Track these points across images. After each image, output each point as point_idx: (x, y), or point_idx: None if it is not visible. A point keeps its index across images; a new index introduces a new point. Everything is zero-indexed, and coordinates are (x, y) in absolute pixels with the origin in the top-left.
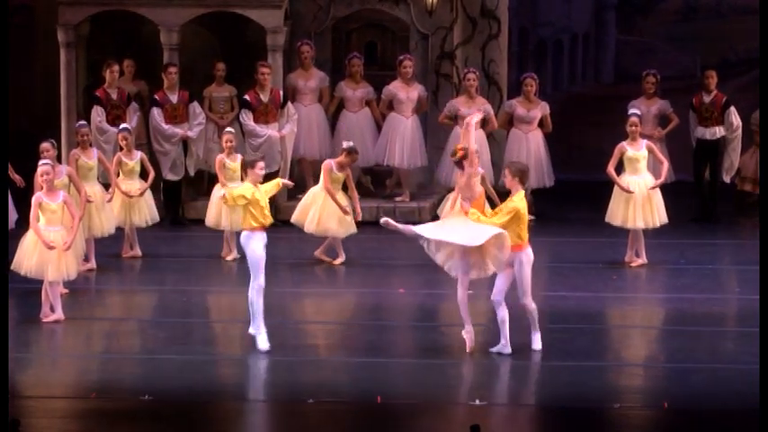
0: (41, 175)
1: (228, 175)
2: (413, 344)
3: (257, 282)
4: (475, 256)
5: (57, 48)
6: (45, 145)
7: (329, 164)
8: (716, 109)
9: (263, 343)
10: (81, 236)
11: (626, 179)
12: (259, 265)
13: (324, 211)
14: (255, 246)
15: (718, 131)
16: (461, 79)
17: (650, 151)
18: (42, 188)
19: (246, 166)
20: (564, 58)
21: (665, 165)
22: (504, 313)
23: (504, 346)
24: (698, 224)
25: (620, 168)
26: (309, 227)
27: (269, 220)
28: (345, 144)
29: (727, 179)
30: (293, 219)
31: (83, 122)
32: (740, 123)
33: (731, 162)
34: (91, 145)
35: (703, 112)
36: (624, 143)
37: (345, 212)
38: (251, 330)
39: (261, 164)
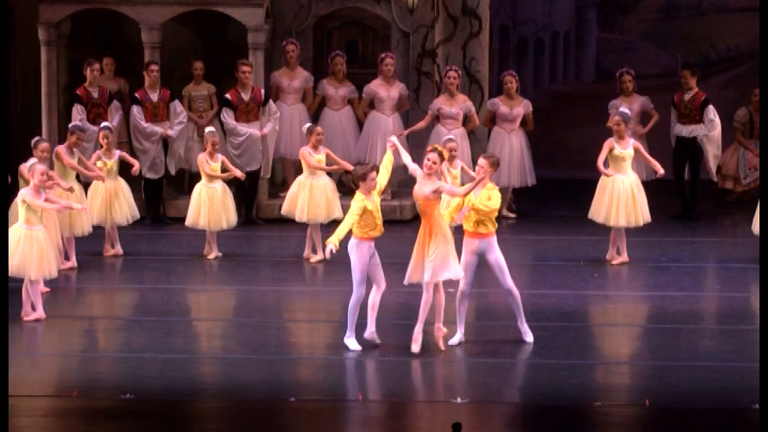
0: (42, 174)
1: (209, 177)
2: (394, 342)
3: (357, 293)
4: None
5: (36, 46)
6: (45, 145)
7: (304, 149)
8: (695, 107)
9: (353, 344)
10: (59, 234)
11: (611, 177)
12: (361, 276)
13: (311, 198)
14: (360, 255)
15: (698, 129)
16: (442, 77)
17: (636, 150)
18: (33, 185)
19: (358, 179)
20: (545, 57)
21: (652, 160)
22: (466, 305)
23: (462, 335)
24: (679, 222)
25: (605, 166)
26: (300, 216)
27: (379, 231)
28: (304, 127)
29: (714, 178)
30: (283, 210)
31: (77, 125)
32: (718, 122)
33: (713, 161)
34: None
35: (682, 109)
36: (612, 139)
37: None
38: (345, 339)
39: (372, 174)
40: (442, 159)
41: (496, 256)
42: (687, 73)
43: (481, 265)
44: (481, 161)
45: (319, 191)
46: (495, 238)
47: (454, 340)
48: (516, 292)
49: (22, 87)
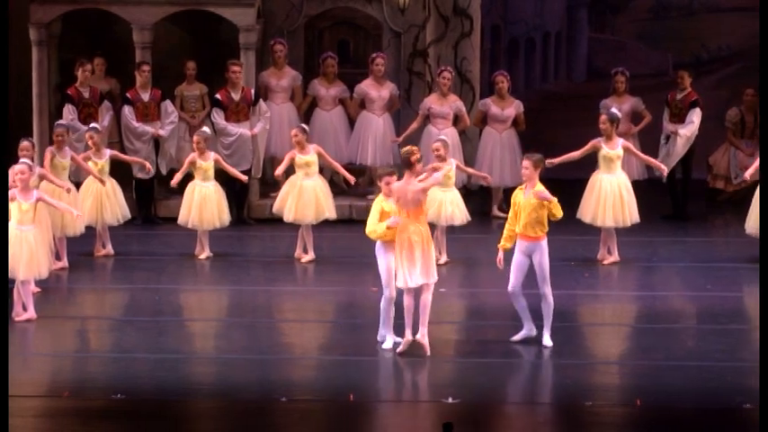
0: (16, 174)
1: (201, 174)
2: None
3: (386, 293)
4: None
5: (28, 47)
6: (25, 144)
7: (291, 153)
8: (685, 106)
9: (388, 344)
10: (51, 233)
11: (600, 177)
12: (388, 277)
13: (300, 198)
14: (386, 258)
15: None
16: (435, 77)
17: (626, 150)
18: (17, 186)
19: (377, 180)
20: (536, 56)
21: (649, 158)
22: (524, 302)
23: (531, 329)
24: (670, 222)
25: (594, 165)
26: (288, 215)
27: None
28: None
29: (659, 173)
30: (274, 209)
31: (60, 122)
32: (695, 126)
33: (669, 159)
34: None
35: (673, 108)
36: (600, 139)
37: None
38: (378, 337)
39: (387, 179)
40: (409, 165)
41: (540, 261)
42: (685, 73)
43: (469, 265)
44: (525, 162)
45: (308, 191)
46: (544, 242)
47: (519, 336)
48: (551, 299)
49: (14, 87)
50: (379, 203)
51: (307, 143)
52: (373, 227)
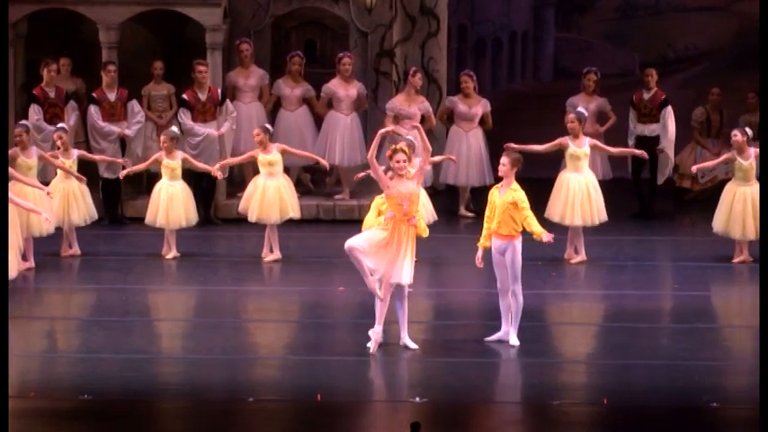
0: None
1: (168, 174)
2: (353, 341)
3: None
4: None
5: None
6: None
7: (254, 151)
8: (654, 106)
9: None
10: (19, 234)
11: (567, 176)
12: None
13: (263, 198)
14: None
15: (658, 129)
16: (402, 77)
17: (595, 147)
18: None
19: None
20: (503, 56)
21: (621, 149)
22: (507, 302)
23: (507, 332)
24: (637, 221)
25: (561, 164)
26: (251, 216)
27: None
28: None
29: (660, 180)
30: (240, 209)
31: (21, 122)
32: (672, 128)
33: (667, 164)
34: (28, 145)
35: (642, 108)
36: (567, 138)
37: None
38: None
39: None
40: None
41: (513, 259)
42: (654, 71)
43: (436, 264)
44: (503, 159)
45: (272, 191)
46: (517, 241)
47: (494, 336)
48: (521, 298)
49: None
50: (378, 202)
51: (270, 142)
52: (369, 223)
